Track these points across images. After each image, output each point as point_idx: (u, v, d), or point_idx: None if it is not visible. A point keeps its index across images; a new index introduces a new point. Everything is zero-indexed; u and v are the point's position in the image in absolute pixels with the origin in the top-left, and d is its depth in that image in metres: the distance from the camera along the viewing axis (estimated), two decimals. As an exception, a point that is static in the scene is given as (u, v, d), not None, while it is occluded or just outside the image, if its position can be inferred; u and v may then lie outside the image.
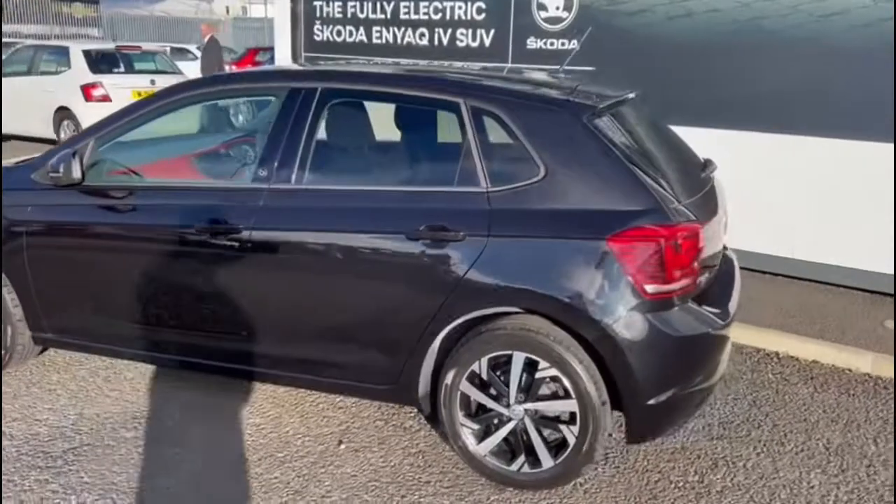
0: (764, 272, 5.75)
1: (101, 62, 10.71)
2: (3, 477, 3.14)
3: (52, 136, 10.78)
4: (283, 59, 7.86)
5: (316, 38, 7.68)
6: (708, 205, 3.28)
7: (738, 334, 4.63)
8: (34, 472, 3.19)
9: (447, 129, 3.21)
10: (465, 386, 3.12)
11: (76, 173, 3.50)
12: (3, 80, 10.62)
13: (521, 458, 3.11)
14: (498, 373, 3.08)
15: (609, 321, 2.88)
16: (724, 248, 3.81)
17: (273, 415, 3.70)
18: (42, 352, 4.17)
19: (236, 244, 3.29)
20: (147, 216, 3.50)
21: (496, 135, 3.11)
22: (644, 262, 2.85)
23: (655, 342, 2.89)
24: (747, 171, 5.37)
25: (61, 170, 3.46)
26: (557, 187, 2.98)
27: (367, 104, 3.45)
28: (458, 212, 3.06)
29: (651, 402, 2.94)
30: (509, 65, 6.47)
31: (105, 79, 10.41)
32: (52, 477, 3.16)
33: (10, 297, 3.81)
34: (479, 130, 3.10)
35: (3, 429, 3.51)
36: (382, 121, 3.72)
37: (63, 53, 10.74)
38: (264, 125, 3.56)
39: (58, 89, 10.50)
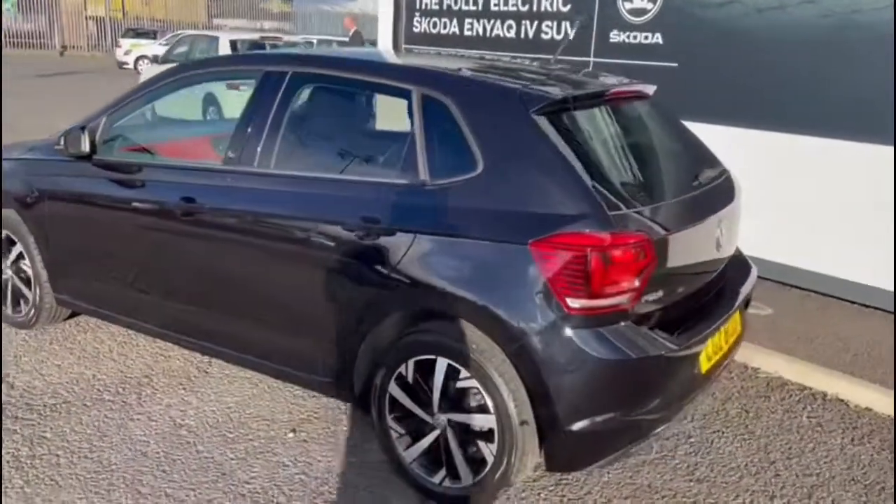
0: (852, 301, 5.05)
1: (244, 51, 11.39)
2: (-18, 422, 3.41)
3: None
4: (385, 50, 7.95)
5: (415, 29, 7.69)
6: (689, 213, 2.91)
7: (782, 367, 4.11)
8: (9, 422, 3.43)
9: (403, 118, 3.07)
10: (393, 388, 2.97)
11: (84, 147, 3.72)
12: (165, 66, 11.60)
13: (443, 471, 2.92)
14: (424, 378, 2.90)
15: (527, 334, 2.62)
16: (738, 256, 3.46)
17: (247, 395, 3.74)
18: (74, 314, 4.48)
19: (199, 222, 3.36)
20: (137, 191, 3.65)
21: (444, 125, 2.92)
22: (567, 273, 2.56)
23: (576, 363, 2.59)
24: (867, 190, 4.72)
25: (62, 143, 3.68)
26: (493, 185, 2.76)
27: (333, 90, 3.37)
28: (393, 204, 2.92)
29: (571, 428, 2.65)
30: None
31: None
32: (20, 428, 3.38)
33: (38, 259, 4.12)
34: (426, 119, 2.93)
35: (11, 378, 3.81)
36: (383, 111, 3.63)
37: (213, 42, 11.53)
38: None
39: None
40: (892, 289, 4.74)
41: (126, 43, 25.89)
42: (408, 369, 2.91)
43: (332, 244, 3.02)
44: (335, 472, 3.15)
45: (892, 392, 3.89)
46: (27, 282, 4.23)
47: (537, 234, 2.61)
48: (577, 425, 2.64)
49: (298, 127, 3.27)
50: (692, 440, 3.52)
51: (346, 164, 3.17)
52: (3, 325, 4.39)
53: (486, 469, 2.81)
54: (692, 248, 2.91)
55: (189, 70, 3.71)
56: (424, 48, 7.55)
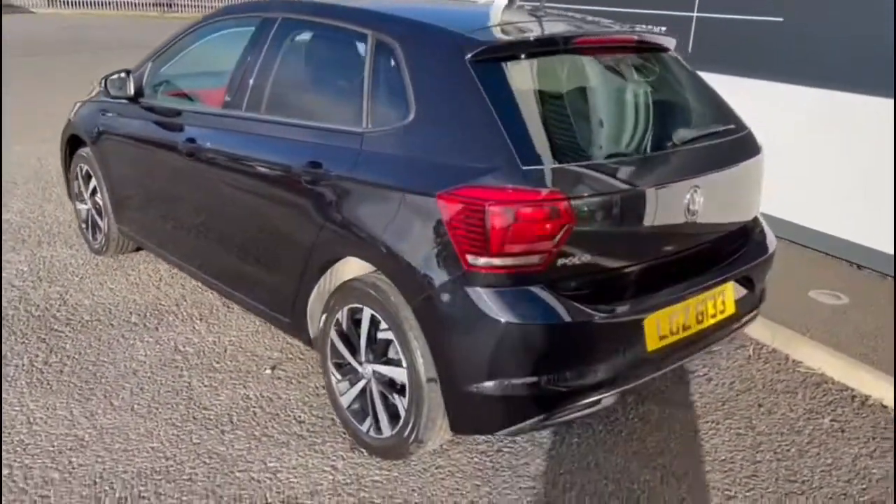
0: None
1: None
2: (19, 317, 3.87)
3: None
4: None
5: None
6: (642, 174, 2.65)
7: (827, 363, 3.66)
8: (44, 332, 3.86)
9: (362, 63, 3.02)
10: (333, 334, 3.00)
11: (128, 90, 4.04)
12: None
13: (370, 420, 2.92)
14: (355, 326, 2.90)
15: (429, 290, 2.53)
16: (751, 229, 3.22)
17: (251, 331, 3.93)
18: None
19: (198, 162, 3.56)
20: (163, 132, 3.91)
21: (389, 71, 2.85)
22: (467, 229, 2.43)
23: (474, 323, 2.46)
24: None
25: (103, 85, 4.02)
26: (418, 133, 2.67)
27: (302, 35, 3.37)
28: (335, 150, 2.91)
29: (470, 389, 2.53)
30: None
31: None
32: (49, 339, 3.79)
33: (106, 192, 4.56)
34: (375, 65, 2.88)
35: (68, 296, 4.28)
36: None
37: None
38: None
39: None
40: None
41: None
42: (343, 317, 2.92)
43: (286, 187, 3.09)
44: (288, 409, 3.24)
45: (947, 404, 3.32)
46: (100, 213, 4.69)
47: (445, 185, 2.49)
48: (476, 387, 2.52)
49: (270, 72, 3.33)
50: (676, 426, 3.22)
51: (305, 109, 3.20)
52: (87, 250, 4.93)
53: (399, 423, 2.77)
54: (641, 211, 2.63)
55: (213, 18, 3.89)
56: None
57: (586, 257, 2.52)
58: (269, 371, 3.55)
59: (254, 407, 3.26)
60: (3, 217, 5.58)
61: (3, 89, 9.54)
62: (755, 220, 3.28)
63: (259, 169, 3.23)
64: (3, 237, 5.15)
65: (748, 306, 3.17)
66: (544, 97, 2.73)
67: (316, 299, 3.10)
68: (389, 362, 2.78)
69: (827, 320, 4.05)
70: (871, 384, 3.52)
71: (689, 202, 2.74)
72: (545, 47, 2.78)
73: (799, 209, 5.11)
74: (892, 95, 4.43)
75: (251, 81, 3.36)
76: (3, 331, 3.82)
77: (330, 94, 3.14)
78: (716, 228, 2.99)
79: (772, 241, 3.27)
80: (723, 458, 3.03)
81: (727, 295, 2.99)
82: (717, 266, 2.96)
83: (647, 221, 2.67)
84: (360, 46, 2.97)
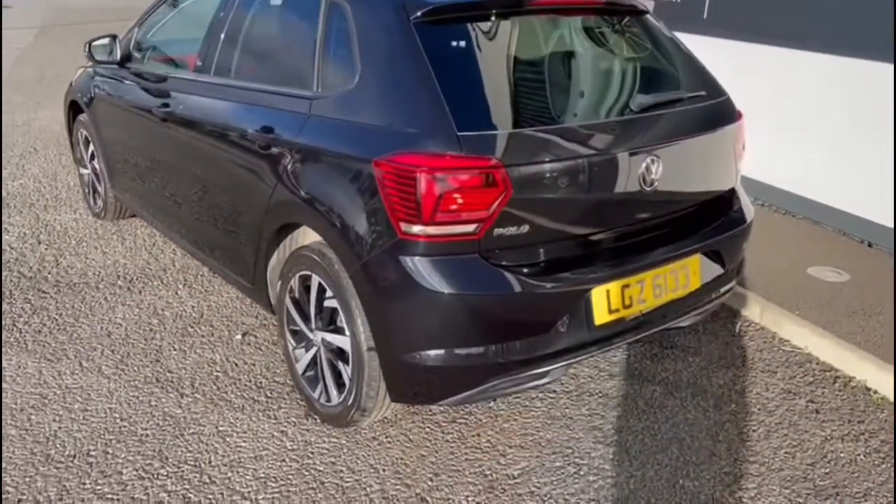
0: None
1: None
2: (12, 279, 3.97)
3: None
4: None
5: None
6: (590, 141, 2.55)
7: (814, 342, 3.54)
8: (31, 293, 3.95)
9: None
10: (287, 300, 2.99)
11: (116, 55, 4.07)
12: None
13: (320, 387, 2.91)
14: (306, 293, 2.89)
15: (365, 257, 2.50)
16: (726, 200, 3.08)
17: (232, 297, 3.96)
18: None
19: (170, 127, 3.58)
20: (143, 97, 3.94)
21: (340, 33, 2.79)
22: (401, 196, 2.37)
23: (407, 291, 2.42)
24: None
25: (88, 50, 4.04)
26: (361, 97, 2.61)
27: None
28: (286, 115, 2.88)
29: (406, 358, 2.50)
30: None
31: None
32: (36, 300, 3.89)
33: (102, 156, 4.62)
34: (327, 27, 2.82)
35: (63, 258, 4.37)
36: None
37: None
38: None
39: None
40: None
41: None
42: (295, 284, 2.91)
43: (243, 153, 3.07)
44: (251, 374, 3.26)
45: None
46: (99, 178, 4.77)
47: (383, 151, 2.44)
48: (411, 357, 2.48)
49: (236, 35, 3.30)
50: (638, 403, 3.14)
51: (264, 72, 3.17)
52: (89, 215, 5.03)
53: (345, 392, 2.76)
54: (589, 181, 2.54)
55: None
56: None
57: (526, 227, 2.45)
58: (239, 336, 3.57)
59: (217, 371, 3.29)
60: (19, 182, 5.72)
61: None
62: (731, 190, 3.14)
63: (221, 134, 3.23)
64: (14, 201, 5.29)
65: (719, 282, 3.05)
66: (493, 61, 2.65)
67: (275, 266, 3.09)
68: (336, 330, 2.76)
69: (822, 298, 3.89)
70: (857, 365, 3.37)
71: (645, 172, 2.63)
72: (498, 9, 2.68)
73: (810, 182, 4.90)
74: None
75: (218, 45, 3.35)
76: (-7, 291, 3.93)
77: (286, 58, 3.10)
78: (679, 199, 2.87)
79: (748, 214, 3.13)
80: (682, 436, 2.94)
81: (692, 269, 2.88)
82: (680, 238, 2.85)
83: (596, 191, 2.57)
84: (315, 7, 2.91)
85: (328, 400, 2.86)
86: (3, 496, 2.52)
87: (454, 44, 2.57)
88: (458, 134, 2.35)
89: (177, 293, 4.00)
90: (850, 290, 3.99)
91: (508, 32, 2.73)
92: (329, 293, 2.71)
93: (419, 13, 2.54)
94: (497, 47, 2.69)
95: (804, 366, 3.46)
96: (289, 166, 2.80)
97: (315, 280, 2.78)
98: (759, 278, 4.06)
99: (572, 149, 2.51)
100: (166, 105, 3.61)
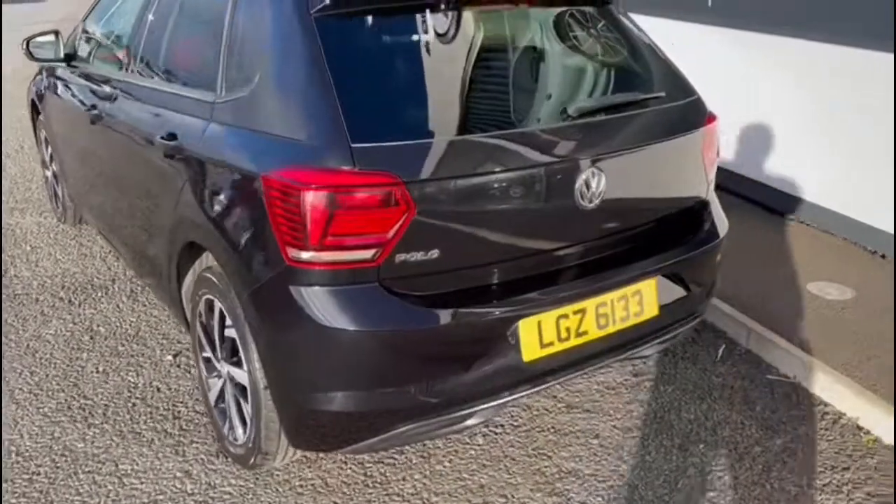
0: None
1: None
2: (-52, 303, 3.78)
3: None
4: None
5: None
6: (514, 152, 2.21)
7: (804, 372, 3.15)
8: (-33, 306, 3.76)
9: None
10: (198, 326, 2.71)
11: (58, 53, 3.82)
12: None
13: (228, 423, 2.63)
14: (211, 320, 2.60)
15: (254, 285, 2.20)
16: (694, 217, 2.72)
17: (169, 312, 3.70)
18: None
19: (97, 129, 3.34)
20: (77, 96, 3.69)
21: (246, 30, 2.47)
22: (287, 217, 2.07)
23: (299, 326, 2.11)
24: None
25: (25, 47, 3.79)
26: (260, 102, 2.30)
27: None
28: (189, 121, 2.59)
29: (298, 399, 2.20)
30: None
31: None
32: (-31, 312, 3.69)
33: (57, 158, 4.41)
34: (233, 23, 2.51)
35: (14, 266, 4.17)
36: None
37: None
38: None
39: None
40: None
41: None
42: (203, 308, 2.63)
43: (152, 162, 2.80)
44: (171, 402, 3.00)
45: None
46: (57, 180, 4.56)
47: (272, 165, 2.13)
48: (304, 399, 2.19)
49: (154, 30, 3.02)
50: (592, 442, 2.80)
51: (175, 73, 2.88)
52: (52, 217, 4.83)
53: (247, 432, 2.47)
54: (510, 198, 2.20)
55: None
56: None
57: (435, 252, 2.12)
58: (170, 358, 3.31)
59: (136, 398, 3.03)
60: (-4, 182, 5.57)
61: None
62: (700, 203, 2.77)
63: (135, 140, 2.96)
64: (-17, 203, 5.12)
65: (684, 307, 2.69)
66: (405, 62, 2.32)
67: (189, 285, 2.81)
68: (237, 363, 2.47)
69: (819, 319, 3.48)
70: (849, 400, 2.97)
71: (584, 187, 2.28)
72: (416, 1, 2.35)
73: (820, 186, 4.46)
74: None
75: (139, 41, 3.08)
76: (-75, 304, 3.73)
77: (196, 56, 2.80)
78: (630, 216, 2.52)
79: (719, 229, 2.76)
80: (635, 483, 2.59)
81: (647, 294, 2.52)
82: (632, 260, 2.50)
83: (521, 210, 2.23)
84: (224, 4, 2.60)
85: (235, 438, 2.58)
86: None
87: (360, 41, 2.25)
88: (352, 146, 2.03)
89: (118, 307, 3.75)
90: (853, 310, 3.57)
91: (428, 27, 2.39)
92: (228, 321, 2.43)
93: (320, 4, 2.22)
94: (413, 45, 2.36)
95: (789, 398, 3.07)
96: (189, 178, 2.52)
97: (217, 306, 2.49)
98: (750, 295, 3.67)
99: (490, 162, 2.17)
100: (94, 107, 3.36)
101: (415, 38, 2.35)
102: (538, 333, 2.28)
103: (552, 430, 2.87)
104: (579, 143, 2.31)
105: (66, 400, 3.01)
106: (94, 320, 3.62)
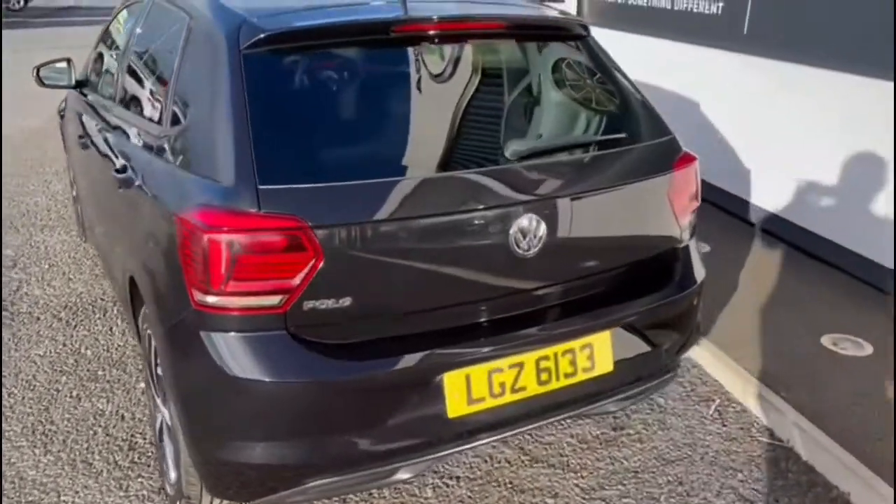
0: None
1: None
2: (-44, 319, 3.91)
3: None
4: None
5: None
6: (438, 196, 2.10)
7: (796, 433, 2.92)
8: (-29, 322, 3.88)
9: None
10: (150, 361, 2.69)
11: (70, 79, 3.91)
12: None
13: (165, 461, 2.59)
14: (150, 355, 2.57)
15: (166, 326, 2.16)
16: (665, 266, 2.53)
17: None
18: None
19: (87, 156, 3.41)
20: (78, 122, 3.77)
21: (192, 61, 2.44)
22: (195, 259, 2.01)
23: (204, 373, 2.04)
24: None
25: (35, 74, 3.89)
26: (190, 138, 2.27)
27: (152, 19, 3.01)
28: (138, 154, 2.59)
29: (206, 447, 2.13)
30: None
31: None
32: (-30, 330, 3.80)
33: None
34: (183, 55, 2.49)
35: (29, 285, 4.29)
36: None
37: None
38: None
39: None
40: None
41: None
42: (147, 342, 2.60)
43: (112, 191, 2.80)
44: (131, 432, 2.98)
45: None
46: (77, 200, 4.69)
47: (186, 205, 2.09)
48: (210, 447, 2.11)
49: (129, 65, 3.05)
50: (531, 491, 2.62)
51: (136, 105, 2.88)
52: (77, 235, 4.97)
53: (176, 473, 2.42)
54: (433, 245, 2.08)
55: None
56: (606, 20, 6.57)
57: (348, 300, 2.02)
58: (143, 385, 3.31)
59: (99, 426, 3.03)
60: (37, 199, 5.79)
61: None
62: (670, 252, 2.57)
63: (104, 168, 2.98)
64: (21, 219, 5.32)
65: (647, 363, 2.50)
66: (328, 102, 2.25)
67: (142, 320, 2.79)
68: (166, 401, 2.43)
69: (827, 377, 3.19)
70: (844, 473, 2.69)
71: (519, 234, 2.14)
72: (357, 36, 2.27)
73: (848, 228, 4.13)
74: None
75: (118, 74, 3.12)
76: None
77: (152, 91, 2.80)
78: (578, 265, 2.35)
79: (691, 282, 2.56)
80: (581, 553, 2.41)
81: (599, 349, 2.34)
82: (579, 311, 2.33)
83: (444, 257, 2.11)
84: (179, 29, 2.59)
85: (169, 478, 2.53)
86: None
87: (285, 79, 2.19)
88: (259, 188, 1.96)
89: (111, 330, 3.80)
90: (868, 368, 3.26)
91: (366, 65, 2.31)
92: (160, 360, 2.39)
93: (250, 41, 2.16)
94: (340, 84, 2.29)
95: (777, 465, 2.81)
96: (131, 212, 2.51)
97: (153, 342, 2.46)
98: (754, 345, 3.41)
99: (410, 206, 2.06)
100: (85, 134, 3.43)
101: (343, 76, 2.28)
102: (466, 388, 2.15)
103: (509, 486, 2.70)
104: (514, 187, 2.17)
105: (32, 424, 3.04)
106: (83, 342, 3.67)
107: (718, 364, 3.34)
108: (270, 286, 1.97)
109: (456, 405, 2.14)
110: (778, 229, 4.63)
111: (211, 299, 1.99)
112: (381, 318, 2.10)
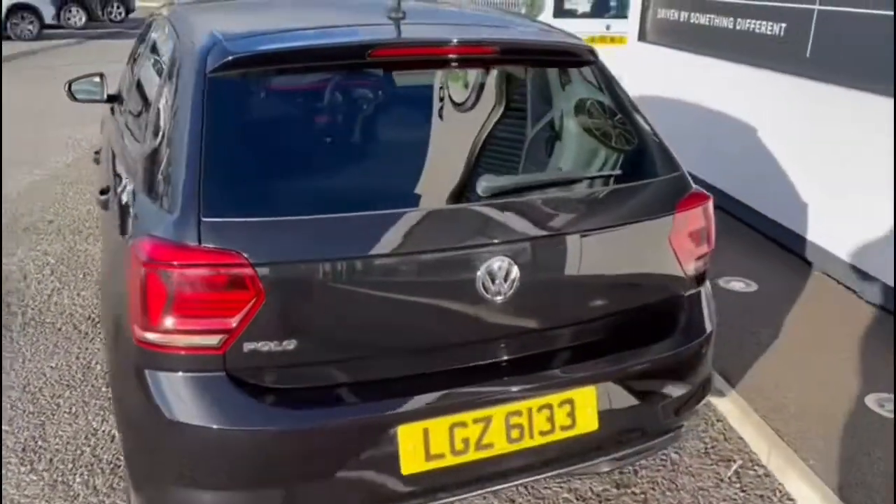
0: None
1: (567, 5, 10.78)
2: (-17, 325, 3.99)
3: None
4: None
5: (658, 15, 6.55)
6: (398, 234, 1.94)
7: None
8: (-4, 330, 3.94)
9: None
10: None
11: (101, 94, 3.95)
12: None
13: (133, 492, 2.51)
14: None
15: (113, 358, 2.08)
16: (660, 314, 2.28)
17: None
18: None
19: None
20: (105, 137, 3.79)
21: (173, 83, 2.36)
22: (134, 292, 1.92)
23: (138, 409, 1.95)
24: None
25: (67, 89, 3.93)
26: (153, 162, 2.18)
27: (155, 42, 2.96)
28: (120, 174, 2.55)
29: (144, 485, 2.04)
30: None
31: (561, 23, 10.38)
32: None
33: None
34: (168, 75, 2.42)
35: (54, 293, 4.36)
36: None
37: (543, -4, 11.11)
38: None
39: (529, 32, 10.98)
40: None
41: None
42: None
43: (103, 210, 2.77)
44: (115, 454, 2.93)
45: None
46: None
47: (138, 234, 2.00)
48: (151, 487, 2.02)
49: (137, 80, 3.02)
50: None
51: (133, 125, 2.83)
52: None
53: (135, 505, 2.33)
54: (392, 286, 1.92)
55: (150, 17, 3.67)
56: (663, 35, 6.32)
57: (293, 343, 1.89)
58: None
59: (88, 446, 2.99)
60: (89, 208, 5.93)
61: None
62: (672, 300, 2.33)
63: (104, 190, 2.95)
64: (70, 228, 5.44)
65: (643, 424, 2.27)
66: (288, 132, 2.13)
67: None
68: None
69: (864, 443, 2.86)
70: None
71: (487, 278, 1.96)
72: (327, 61, 2.14)
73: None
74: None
75: (129, 88, 3.10)
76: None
77: (140, 111, 2.74)
78: (559, 312, 2.16)
79: (696, 334, 2.31)
80: None
81: (581, 405, 2.13)
82: (560, 363, 2.13)
83: (403, 300, 1.96)
84: (168, 54, 2.54)
85: (133, 510, 2.45)
86: None
87: (249, 105, 2.09)
88: (203, 220, 1.85)
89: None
90: (917, 434, 2.90)
91: (336, 92, 2.18)
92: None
93: (217, 63, 2.07)
94: (310, 112, 2.16)
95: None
96: (105, 237, 2.46)
97: None
98: (789, 400, 3.10)
99: (364, 245, 1.91)
100: (101, 149, 3.44)
101: (311, 104, 2.15)
102: (424, 443, 1.98)
103: (490, 545, 2.51)
104: (484, 226, 1.99)
105: (26, 440, 3.03)
106: (95, 356, 3.67)
107: (745, 420, 3.05)
108: (208, 325, 1.85)
109: (411, 461, 1.97)
110: (836, 270, 4.25)
111: (150, 336, 1.89)
112: (329, 363, 1.96)
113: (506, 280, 1.98)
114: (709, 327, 2.38)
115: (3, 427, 3.11)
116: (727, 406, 3.15)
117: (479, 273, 1.95)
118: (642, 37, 6.86)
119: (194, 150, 1.94)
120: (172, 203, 1.91)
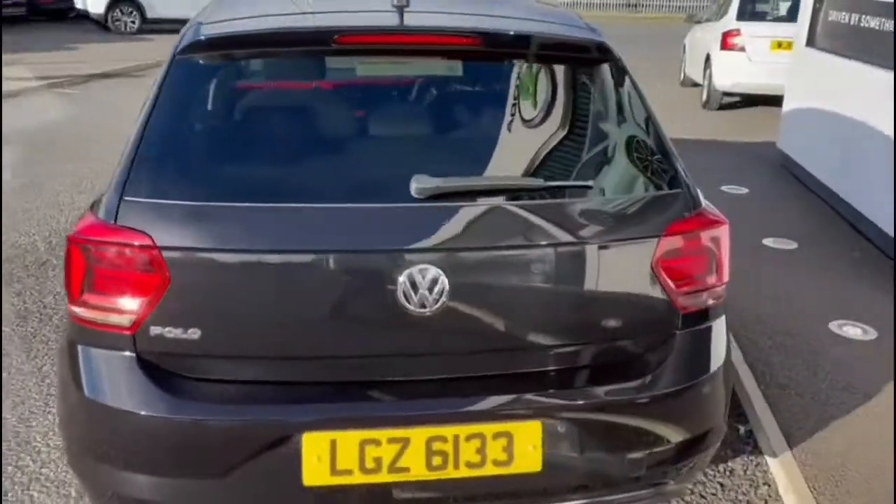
0: None
1: (754, 8, 9.91)
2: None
3: (701, 82, 10.64)
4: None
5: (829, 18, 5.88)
6: (320, 230, 1.84)
7: None
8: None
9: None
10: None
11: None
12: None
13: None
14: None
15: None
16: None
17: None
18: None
19: None
20: None
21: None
22: (65, 267, 1.96)
23: (62, 381, 2.03)
24: None
25: None
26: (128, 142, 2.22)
27: None
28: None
29: (79, 463, 2.07)
30: None
31: (746, 27, 9.56)
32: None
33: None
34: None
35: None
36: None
37: (727, -2, 10.32)
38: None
39: (711, 36, 10.27)
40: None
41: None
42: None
43: None
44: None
45: None
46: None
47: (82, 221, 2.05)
48: (78, 465, 2.05)
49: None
50: None
51: None
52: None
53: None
54: (296, 280, 1.81)
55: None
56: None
57: (197, 333, 1.83)
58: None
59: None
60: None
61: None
62: (658, 334, 2.00)
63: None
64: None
65: (602, 474, 1.98)
66: (234, 115, 2.11)
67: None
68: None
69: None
70: None
71: (409, 287, 1.79)
72: (291, 47, 2.06)
73: None
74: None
75: None
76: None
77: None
78: (504, 334, 1.91)
79: (688, 376, 1.99)
80: None
81: (521, 441, 1.89)
82: (497, 391, 1.90)
83: (316, 301, 1.85)
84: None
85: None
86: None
87: (202, 88, 2.06)
88: (123, 198, 1.85)
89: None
90: None
91: (291, 78, 2.10)
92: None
93: (184, 45, 2.07)
94: (258, 99, 2.09)
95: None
96: None
97: None
98: (849, 473, 2.59)
99: (284, 238, 1.82)
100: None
101: (263, 90, 2.08)
102: (330, 455, 1.84)
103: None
104: (413, 230, 1.81)
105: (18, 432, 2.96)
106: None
107: (790, 488, 2.58)
108: (119, 305, 1.85)
109: (314, 472, 1.84)
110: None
111: (75, 309, 1.92)
112: (235, 358, 1.88)
113: (431, 291, 1.79)
114: (709, 370, 2.03)
115: (11, 413, 3.19)
116: (778, 470, 2.69)
117: (399, 281, 1.78)
118: (811, 42, 6.15)
119: (140, 129, 1.94)
120: (113, 181, 1.93)
